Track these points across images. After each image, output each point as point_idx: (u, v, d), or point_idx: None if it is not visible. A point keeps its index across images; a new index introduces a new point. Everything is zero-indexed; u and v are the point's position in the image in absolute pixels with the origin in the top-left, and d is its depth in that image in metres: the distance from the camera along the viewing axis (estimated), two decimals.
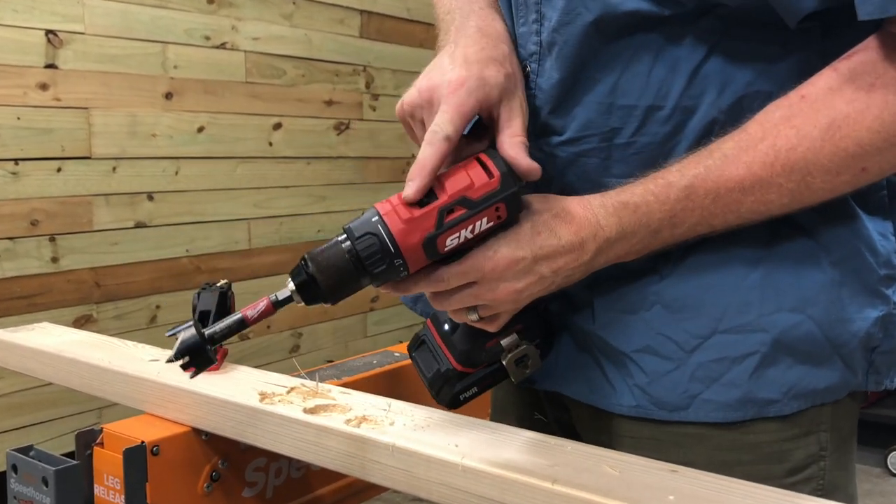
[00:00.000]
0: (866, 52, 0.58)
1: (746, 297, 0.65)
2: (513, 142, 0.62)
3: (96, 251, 2.24)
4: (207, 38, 2.48)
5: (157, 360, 0.89)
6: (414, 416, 0.70)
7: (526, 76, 0.70)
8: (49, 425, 2.14)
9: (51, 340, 0.98)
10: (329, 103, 2.90)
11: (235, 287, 0.90)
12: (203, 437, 0.80)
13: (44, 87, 2.11)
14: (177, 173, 2.42)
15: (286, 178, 2.76)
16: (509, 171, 0.60)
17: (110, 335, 1.07)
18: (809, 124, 0.59)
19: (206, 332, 0.59)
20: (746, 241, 0.66)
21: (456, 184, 0.59)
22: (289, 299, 0.59)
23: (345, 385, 0.88)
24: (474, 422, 0.69)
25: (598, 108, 0.67)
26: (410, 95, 0.65)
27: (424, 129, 0.63)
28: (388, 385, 0.95)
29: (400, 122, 0.67)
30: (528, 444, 0.63)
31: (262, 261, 2.69)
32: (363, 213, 0.59)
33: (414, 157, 0.61)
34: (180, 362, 0.58)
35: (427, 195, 0.59)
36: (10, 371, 1.02)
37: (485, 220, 0.59)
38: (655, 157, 0.65)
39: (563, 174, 0.70)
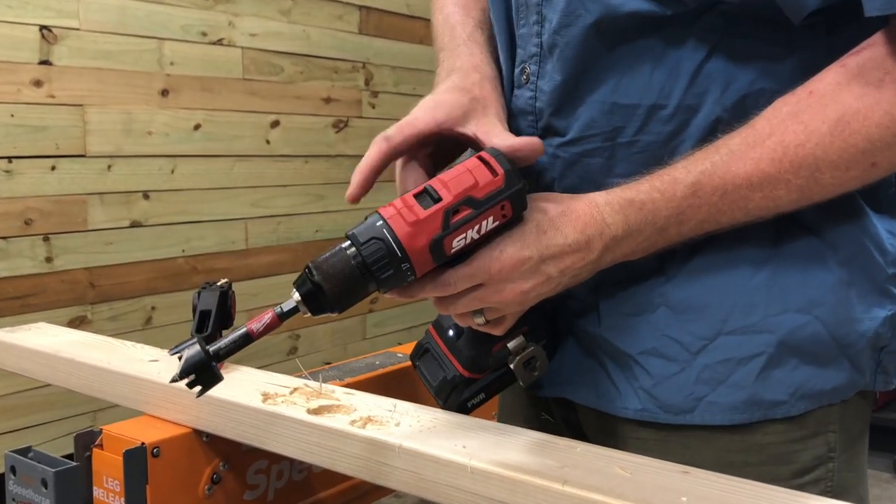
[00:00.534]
0: (875, 48, 0.58)
1: (752, 297, 0.65)
2: (504, 135, 0.62)
3: (91, 251, 2.22)
4: (204, 35, 2.46)
5: (156, 361, 0.88)
6: (420, 417, 0.69)
7: (526, 78, 0.70)
8: (44, 428, 2.12)
9: (48, 341, 0.97)
10: (327, 101, 2.88)
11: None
12: (204, 438, 0.79)
13: (38, 83, 2.09)
14: (173, 172, 2.40)
15: (284, 176, 2.74)
16: (513, 168, 0.59)
17: (105, 336, 1.06)
18: (818, 120, 0.58)
19: (211, 348, 0.57)
20: (752, 242, 0.65)
21: (460, 183, 0.58)
22: (294, 310, 0.58)
23: (348, 386, 0.87)
24: (481, 423, 0.68)
25: (601, 107, 0.66)
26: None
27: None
28: (392, 386, 0.94)
29: None
30: (537, 446, 0.63)
31: (259, 261, 2.67)
32: (365, 219, 0.58)
33: None
34: (185, 381, 0.56)
35: (431, 196, 0.58)
36: (7, 372, 1.01)
37: (490, 219, 0.58)
38: (659, 157, 0.65)
39: (565, 176, 0.69)
